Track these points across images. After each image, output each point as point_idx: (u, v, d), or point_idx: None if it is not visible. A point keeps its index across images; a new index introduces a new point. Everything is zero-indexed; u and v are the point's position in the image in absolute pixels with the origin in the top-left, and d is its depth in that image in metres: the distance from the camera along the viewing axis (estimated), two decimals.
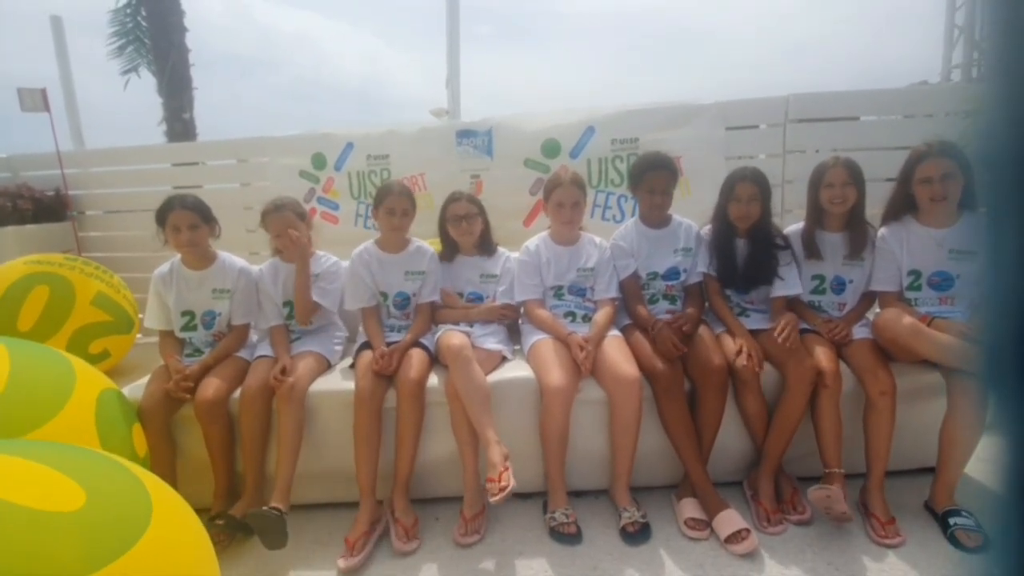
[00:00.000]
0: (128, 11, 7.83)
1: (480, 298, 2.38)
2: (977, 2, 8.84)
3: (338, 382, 2.14)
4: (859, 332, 2.10)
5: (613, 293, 2.26)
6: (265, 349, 2.27)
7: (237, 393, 2.07)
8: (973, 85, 5.41)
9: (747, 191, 2.14)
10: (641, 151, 2.97)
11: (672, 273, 2.27)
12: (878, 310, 2.13)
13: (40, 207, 3.99)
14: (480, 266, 2.39)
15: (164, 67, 6.99)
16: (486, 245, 2.41)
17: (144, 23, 7.51)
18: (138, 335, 3.21)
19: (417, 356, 2.09)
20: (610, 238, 2.36)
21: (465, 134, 3.45)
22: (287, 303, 2.35)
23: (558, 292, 2.29)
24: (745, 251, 2.21)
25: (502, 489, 1.74)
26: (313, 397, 2.07)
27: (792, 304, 2.24)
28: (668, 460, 2.06)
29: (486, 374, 2.04)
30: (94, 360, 2.67)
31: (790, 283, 2.17)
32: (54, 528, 1.04)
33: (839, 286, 2.21)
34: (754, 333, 2.12)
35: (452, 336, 2.05)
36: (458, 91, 4.36)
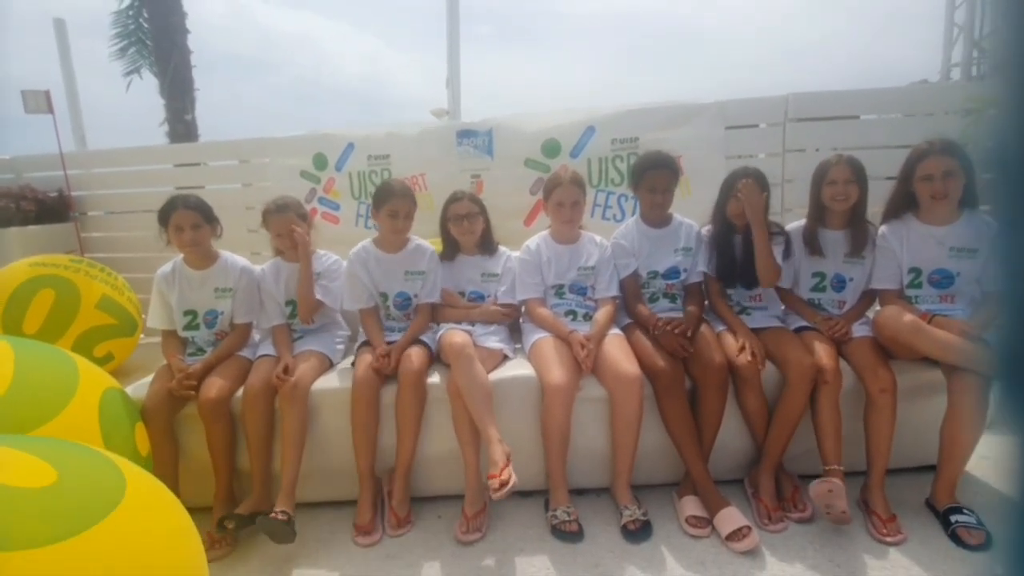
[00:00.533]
0: (130, 13, 7.84)
1: (481, 297, 2.38)
2: (979, 1, 8.82)
3: (340, 381, 2.15)
4: (859, 330, 2.11)
5: (614, 292, 2.27)
6: (267, 348, 2.28)
7: (240, 392, 2.08)
8: (973, 83, 5.40)
9: None
10: (641, 151, 2.97)
11: (672, 272, 2.28)
12: (878, 308, 2.13)
13: (43, 208, 4.02)
14: (481, 265, 2.40)
15: (166, 69, 7.00)
16: (487, 244, 2.42)
17: (146, 25, 7.51)
18: (141, 335, 3.22)
19: (417, 350, 2.10)
20: (611, 237, 2.36)
21: (465, 134, 3.46)
22: (289, 302, 2.36)
23: (559, 291, 2.30)
24: (743, 248, 2.21)
25: (503, 484, 1.74)
26: (315, 396, 2.08)
27: (791, 300, 2.24)
28: (669, 458, 2.06)
29: (488, 372, 2.04)
30: (98, 363, 2.66)
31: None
32: (24, 501, 1.07)
33: (839, 284, 2.21)
34: (755, 331, 2.12)
35: (454, 335, 2.06)
36: (458, 91, 4.37)
